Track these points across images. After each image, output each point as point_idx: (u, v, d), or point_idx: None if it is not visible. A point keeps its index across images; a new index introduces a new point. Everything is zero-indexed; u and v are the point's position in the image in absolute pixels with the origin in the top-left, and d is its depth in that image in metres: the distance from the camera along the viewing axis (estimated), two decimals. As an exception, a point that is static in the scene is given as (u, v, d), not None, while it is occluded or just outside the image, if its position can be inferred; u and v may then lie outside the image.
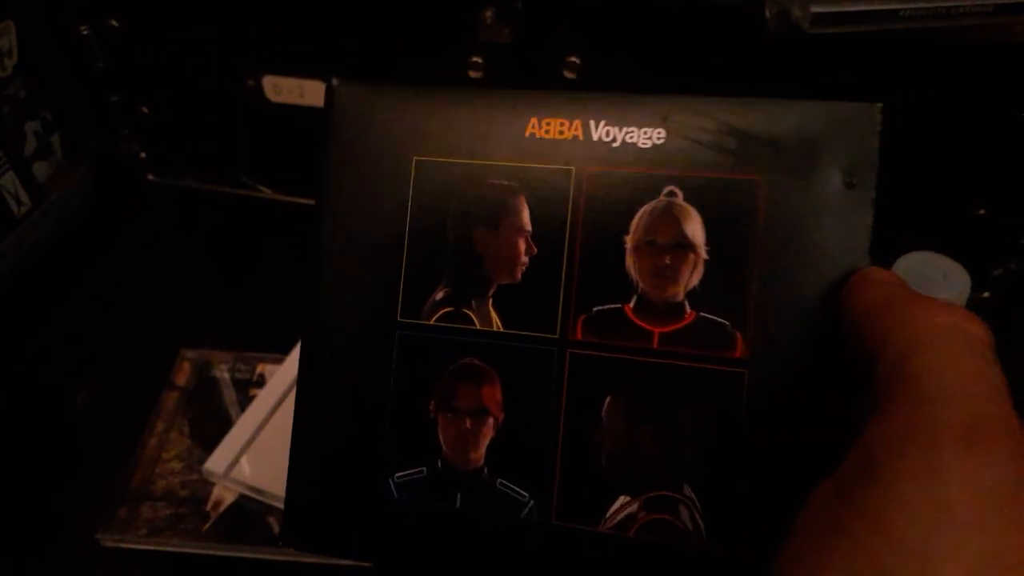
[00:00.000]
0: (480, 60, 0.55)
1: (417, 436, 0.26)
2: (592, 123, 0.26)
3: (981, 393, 0.19)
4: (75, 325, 0.60)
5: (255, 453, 0.50)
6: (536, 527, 0.24)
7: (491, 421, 0.26)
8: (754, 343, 0.24)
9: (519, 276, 0.25)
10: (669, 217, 0.25)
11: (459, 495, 0.25)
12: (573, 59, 0.53)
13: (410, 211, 0.26)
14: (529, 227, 0.26)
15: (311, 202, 0.68)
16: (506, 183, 0.26)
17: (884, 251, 0.40)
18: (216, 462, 0.49)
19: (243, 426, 0.51)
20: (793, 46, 0.46)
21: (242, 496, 0.48)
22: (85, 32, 0.61)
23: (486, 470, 0.25)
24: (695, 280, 0.25)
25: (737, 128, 0.25)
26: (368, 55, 0.58)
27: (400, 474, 0.26)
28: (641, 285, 0.25)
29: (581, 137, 0.26)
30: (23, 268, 0.60)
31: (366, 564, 0.46)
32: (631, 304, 0.25)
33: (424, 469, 0.26)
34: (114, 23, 0.61)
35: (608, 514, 0.24)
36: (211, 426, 0.52)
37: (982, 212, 0.54)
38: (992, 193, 0.54)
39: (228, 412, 0.53)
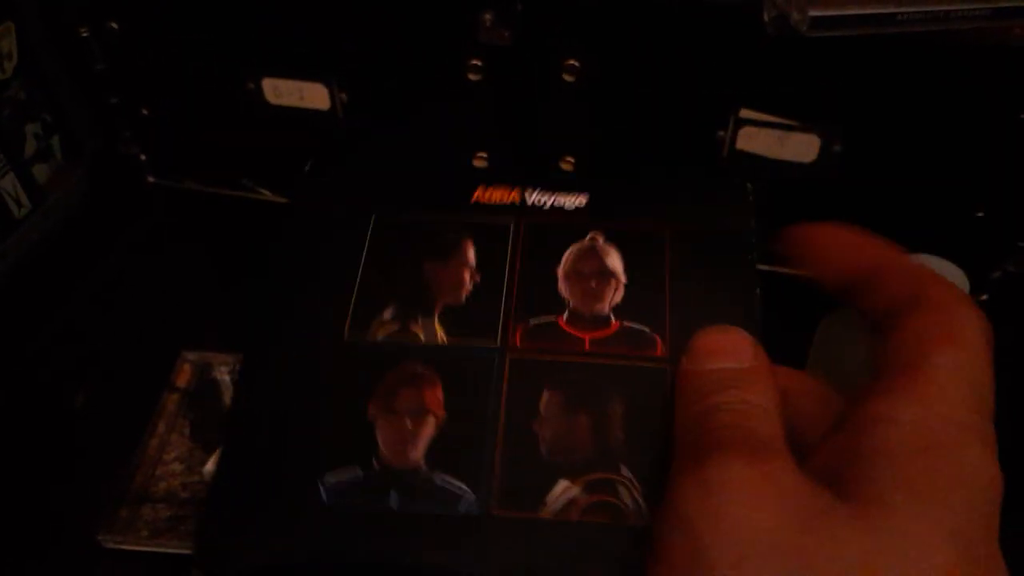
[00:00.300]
0: (479, 63, 0.55)
1: (353, 439, 0.26)
2: (527, 192, 0.32)
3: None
4: (75, 326, 0.60)
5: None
6: (475, 519, 0.24)
7: (432, 420, 0.26)
8: (672, 344, 0.27)
9: (463, 298, 0.29)
10: (593, 254, 0.30)
11: (395, 494, 0.25)
12: (572, 62, 0.53)
13: (366, 250, 0.30)
14: (474, 263, 0.30)
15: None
16: (454, 233, 0.30)
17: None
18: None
19: (243, 428, 0.51)
20: (791, 49, 0.46)
21: (242, 498, 0.49)
22: (85, 34, 0.62)
23: (424, 467, 0.25)
24: (617, 298, 0.29)
25: (647, 198, 0.32)
26: (367, 58, 0.58)
27: (331, 475, 0.25)
28: (572, 303, 0.29)
29: (518, 202, 0.31)
30: (23, 269, 0.60)
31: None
32: (564, 317, 0.28)
33: (358, 469, 0.25)
34: (114, 25, 0.61)
35: (549, 499, 0.24)
36: (212, 428, 0.52)
37: (980, 214, 0.54)
38: (990, 195, 0.54)
39: (229, 413, 0.53)
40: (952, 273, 0.39)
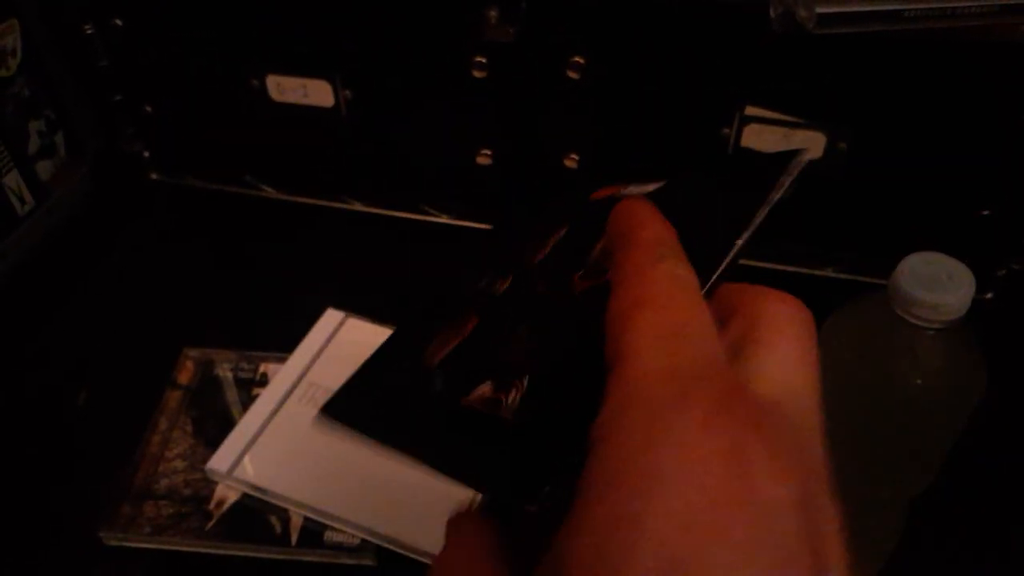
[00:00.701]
0: (484, 60, 0.55)
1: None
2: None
3: (681, 352, 0.19)
4: (78, 323, 0.60)
5: (258, 452, 0.50)
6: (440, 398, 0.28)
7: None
8: None
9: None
10: None
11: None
12: (577, 59, 0.53)
13: None
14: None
15: (314, 201, 0.68)
16: None
17: (888, 251, 0.41)
18: (219, 461, 0.49)
19: (246, 425, 0.51)
20: (796, 46, 0.46)
21: (245, 495, 0.48)
22: (89, 31, 0.62)
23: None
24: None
25: None
26: (371, 55, 0.58)
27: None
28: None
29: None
30: (27, 265, 0.60)
31: (368, 563, 0.46)
32: None
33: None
34: (118, 22, 0.61)
35: (473, 394, 0.27)
36: (214, 425, 0.52)
37: (986, 212, 0.54)
38: (996, 194, 0.54)
39: (231, 411, 0.53)
40: (959, 271, 0.39)
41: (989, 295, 0.57)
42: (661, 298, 0.20)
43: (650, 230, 0.23)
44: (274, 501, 0.48)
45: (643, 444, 0.17)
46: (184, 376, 0.55)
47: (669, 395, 0.18)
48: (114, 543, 0.47)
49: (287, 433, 0.51)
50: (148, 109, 0.66)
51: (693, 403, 0.17)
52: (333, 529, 0.47)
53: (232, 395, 0.54)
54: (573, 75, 0.53)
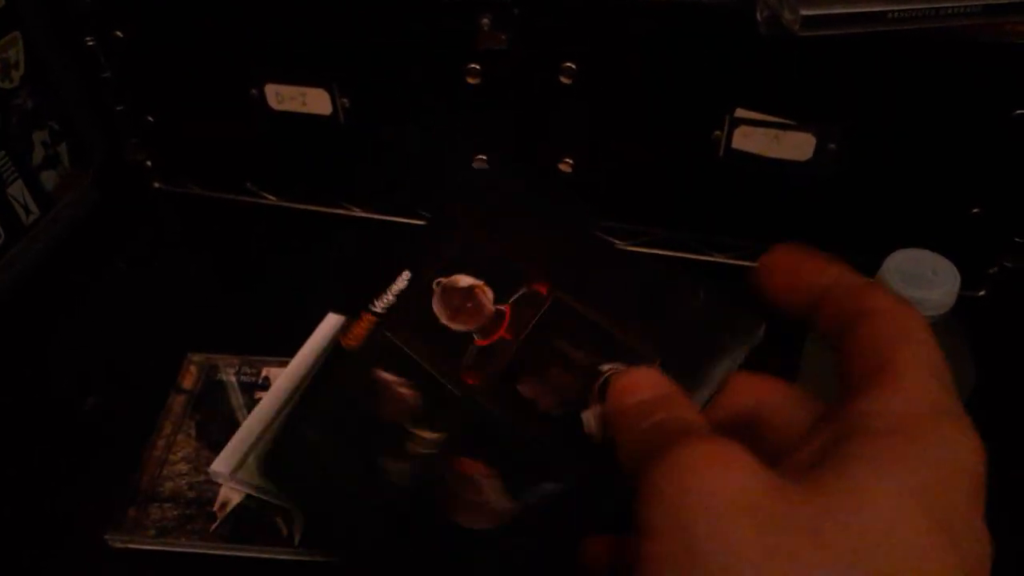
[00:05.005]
0: (478, 67, 0.56)
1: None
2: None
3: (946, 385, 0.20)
4: (84, 330, 0.61)
5: (261, 454, 0.50)
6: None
7: (485, 482, 0.29)
8: (550, 272, 0.31)
9: (416, 407, 0.31)
10: (449, 291, 0.32)
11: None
12: (569, 64, 0.54)
13: None
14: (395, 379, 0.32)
15: (314, 208, 0.69)
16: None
17: (878, 249, 0.41)
18: (223, 463, 0.50)
19: (249, 428, 0.52)
20: (785, 48, 0.47)
21: (248, 497, 0.49)
22: (91, 43, 0.62)
23: (516, 506, 0.29)
24: (490, 294, 0.32)
25: None
26: (368, 63, 0.59)
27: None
28: (472, 328, 0.32)
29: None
30: (33, 274, 0.61)
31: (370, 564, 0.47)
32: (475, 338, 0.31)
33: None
34: (119, 34, 0.62)
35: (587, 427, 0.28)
36: (218, 428, 0.53)
37: (976, 211, 0.55)
38: (987, 191, 0.54)
39: (234, 414, 0.54)
40: (944, 268, 0.39)
41: (982, 292, 0.57)
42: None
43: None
44: (277, 502, 0.49)
45: None
46: (188, 381, 0.56)
47: None
48: (120, 546, 0.48)
49: (289, 435, 0.52)
50: (150, 119, 0.67)
51: None
52: (335, 529, 0.47)
53: (235, 399, 0.55)
54: (566, 80, 0.54)
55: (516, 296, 0.30)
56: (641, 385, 0.24)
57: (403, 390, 0.31)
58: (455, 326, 0.31)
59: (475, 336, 0.30)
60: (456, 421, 0.30)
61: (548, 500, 0.27)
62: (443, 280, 0.32)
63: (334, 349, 0.34)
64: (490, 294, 0.31)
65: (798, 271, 0.24)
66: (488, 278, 0.31)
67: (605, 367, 0.27)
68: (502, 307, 0.30)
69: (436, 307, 0.31)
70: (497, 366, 0.30)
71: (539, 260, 0.31)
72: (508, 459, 0.28)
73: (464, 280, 0.31)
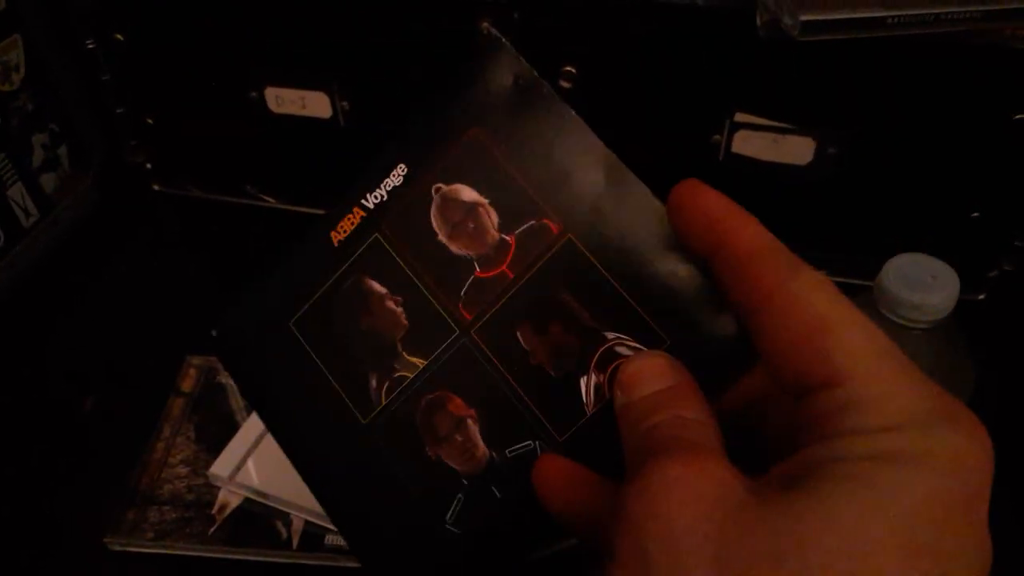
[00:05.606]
0: (478, 69, 0.56)
1: (438, 478, 0.28)
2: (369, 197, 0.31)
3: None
4: (84, 331, 0.61)
5: (260, 457, 0.50)
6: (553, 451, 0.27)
7: (471, 422, 0.27)
8: (560, 213, 0.27)
9: (405, 322, 0.28)
10: (447, 202, 0.28)
11: (493, 488, 0.27)
12: (569, 68, 0.54)
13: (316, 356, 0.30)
14: (386, 290, 0.29)
15: (313, 211, 0.69)
16: (353, 281, 0.30)
17: (878, 253, 0.41)
18: (221, 466, 0.50)
19: (248, 431, 0.52)
20: (785, 53, 0.47)
21: (247, 500, 0.49)
22: (91, 46, 0.63)
23: (494, 454, 0.27)
24: (495, 218, 0.28)
25: None
26: (368, 66, 0.59)
27: (450, 514, 0.28)
28: (471, 252, 0.28)
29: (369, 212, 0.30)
30: (33, 276, 0.61)
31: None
32: (477, 269, 0.28)
33: (459, 493, 0.27)
34: (119, 37, 0.62)
35: (585, 398, 0.26)
36: (216, 431, 0.53)
37: (976, 214, 0.55)
38: (986, 195, 0.54)
39: (233, 417, 0.54)
40: (943, 272, 0.39)
41: (981, 296, 0.57)
42: None
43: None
44: (276, 505, 0.49)
45: None
46: (187, 383, 0.56)
47: None
48: (118, 548, 0.48)
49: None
50: (150, 121, 0.67)
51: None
52: (333, 532, 0.47)
53: (234, 402, 0.55)
54: (565, 84, 0.54)
55: (523, 227, 0.27)
56: (649, 376, 0.24)
57: (392, 305, 0.28)
58: (454, 248, 0.27)
59: (476, 265, 0.27)
60: (445, 353, 0.28)
61: (523, 461, 0.26)
62: (443, 187, 0.28)
63: (320, 242, 0.30)
64: (495, 218, 0.27)
65: (703, 212, 0.24)
66: (494, 198, 0.27)
67: (610, 335, 0.25)
68: (507, 237, 0.27)
69: (435, 220, 0.28)
70: (494, 304, 0.27)
71: (555, 193, 0.26)
72: (492, 408, 0.27)
73: (467, 193, 0.27)
